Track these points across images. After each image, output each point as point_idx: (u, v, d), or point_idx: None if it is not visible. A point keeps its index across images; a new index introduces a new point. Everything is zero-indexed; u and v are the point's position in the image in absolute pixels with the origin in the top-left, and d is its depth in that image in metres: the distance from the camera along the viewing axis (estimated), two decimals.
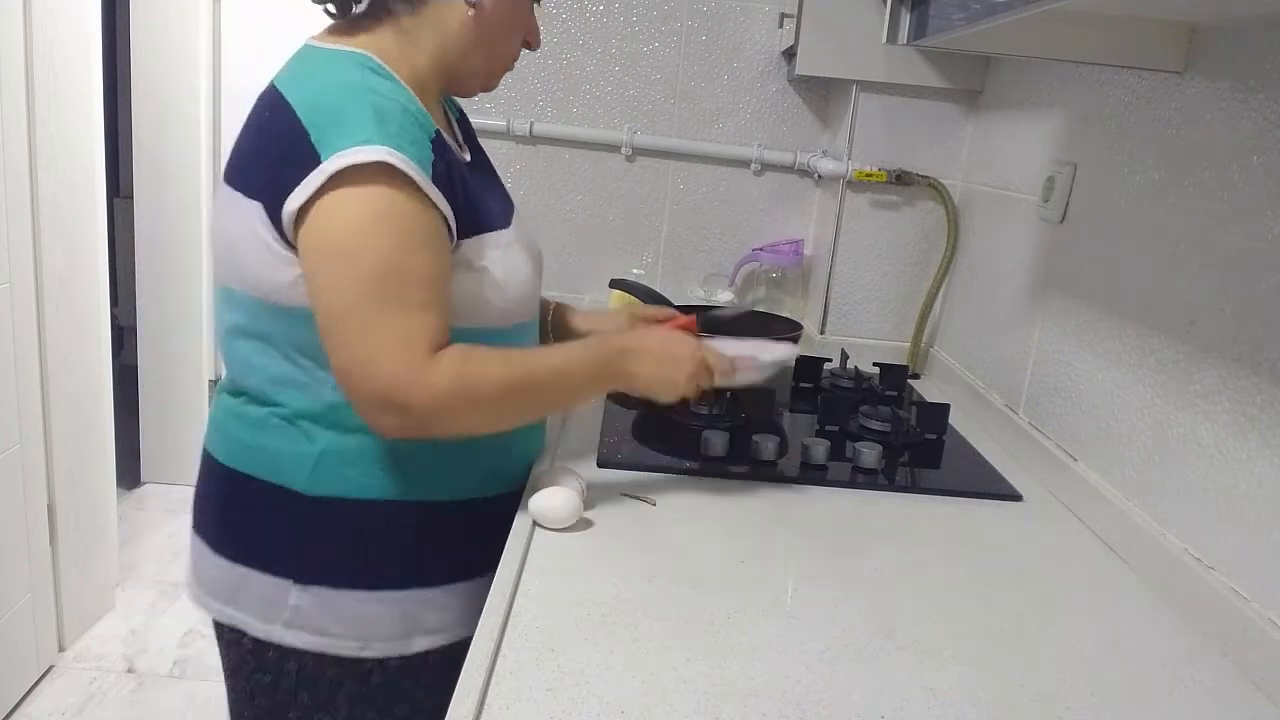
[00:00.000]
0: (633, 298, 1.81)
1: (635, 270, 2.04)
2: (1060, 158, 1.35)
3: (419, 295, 0.87)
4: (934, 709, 0.74)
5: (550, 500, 0.97)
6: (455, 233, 0.92)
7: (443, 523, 1.01)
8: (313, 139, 0.85)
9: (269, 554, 0.98)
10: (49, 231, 2.03)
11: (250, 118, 0.94)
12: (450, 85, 1.03)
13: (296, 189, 0.85)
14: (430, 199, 0.88)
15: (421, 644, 1.00)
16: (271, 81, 0.94)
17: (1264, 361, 0.87)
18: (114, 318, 2.39)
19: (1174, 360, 1.02)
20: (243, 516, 1.00)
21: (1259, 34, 0.93)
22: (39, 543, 2.09)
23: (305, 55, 0.96)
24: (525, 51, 1.05)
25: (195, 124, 2.90)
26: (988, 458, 1.31)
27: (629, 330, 1.21)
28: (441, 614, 1.01)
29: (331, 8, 0.97)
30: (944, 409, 1.39)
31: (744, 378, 1.08)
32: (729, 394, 1.46)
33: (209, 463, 1.03)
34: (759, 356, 1.10)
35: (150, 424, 3.14)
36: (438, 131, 0.92)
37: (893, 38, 1.18)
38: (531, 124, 1.98)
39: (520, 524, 0.98)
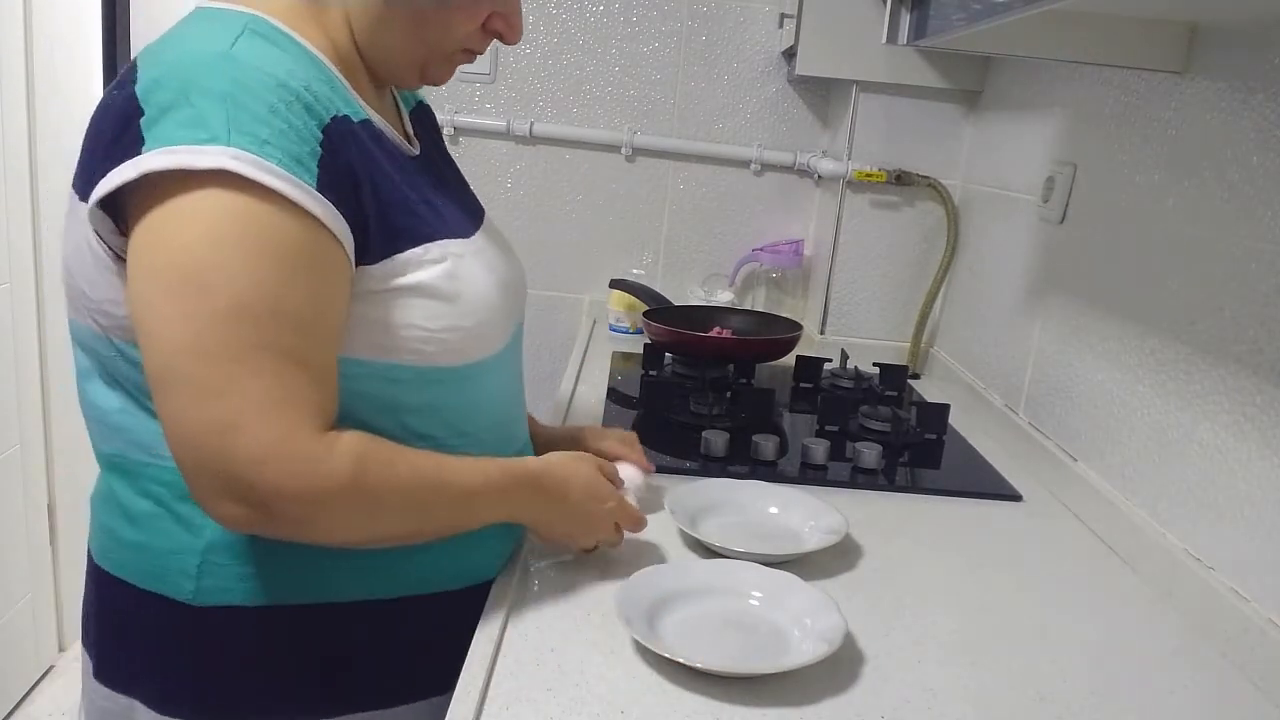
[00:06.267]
0: (634, 299, 1.81)
1: (635, 270, 2.04)
2: (1060, 158, 1.35)
3: (299, 345, 0.67)
4: (934, 709, 0.74)
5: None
6: (360, 250, 0.72)
7: (375, 631, 0.80)
8: (142, 121, 0.65)
9: (154, 683, 0.78)
10: (49, 231, 2.03)
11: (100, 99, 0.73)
12: (378, 72, 0.81)
13: (102, 180, 0.65)
14: (309, 211, 0.66)
15: None
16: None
17: (1264, 361, 0.87)
18: None
19: (1174, 360, 1.02)
20: (121, 634, 0.79)
21: (1259, 34, 0.93)
22: (39, 543, 2.08)
23: (189, 18, 0.75)
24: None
25: None
26: (988, 458, 1.31)
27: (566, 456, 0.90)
28: None
29: None
30: (944, 409, 1.39)
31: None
32: (729, 393, 1.46)
33: (89, 562, 0.83)
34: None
35: None
36: (340, 117, 0.72)
37: (893, 38, 1.18)
38: (531, 124, 1.98)
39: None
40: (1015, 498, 1.19)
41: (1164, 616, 0.93)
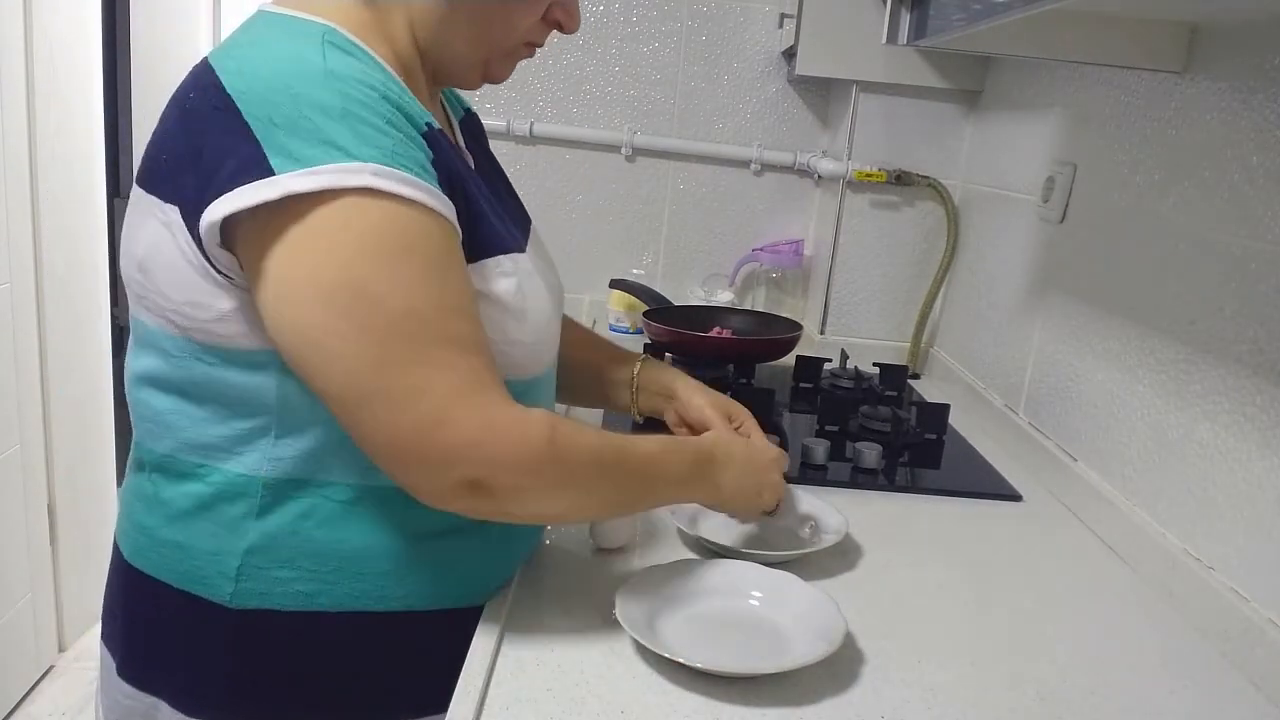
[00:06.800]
0: (634, 299, 1.81)
1: (635, 270, 2.04)
2: (1060, 158, 1.35)
3: (471, 332, 0.70)
4: (934, 709, 0.74)
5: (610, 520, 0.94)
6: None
7: (414, 638, 0.80)
8: (256, 134, 0.65)
9: (182, 683, 0.77)
10: (49, 231, 2.03)
11: (171, 101, 0.73)
12: (440, 74, 0.82)
13: (227, 194, 0.65)
14: (439, 211, 0.69)
15: None
16: (205, 56, 0.72)
17: (1264, 361, 0.87)
18: (114, 318, 2.38)
19: (1174, 360, 1.02)
20: (150, 633, 0.79)
21: (1259, 34, 0.93)
22: (39, 543, 2.09)
23: (253, 24, 0.75)
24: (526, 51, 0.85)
25: None
26: (988, 458, 1.31)
27: (716, 427, 1.00)
28: None
29: None
30: (944, 409, 1.39)
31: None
32: (729, 393, 1.46)
33: (116, 558, 0.83)
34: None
35: None
36: (430, 125, 0.73)
37: (893, 38, 1.18)
38: (531, 124, 1.98)
39: None
40: (1015, 498, 1.19)
41: (1164, 616, 0.93)
